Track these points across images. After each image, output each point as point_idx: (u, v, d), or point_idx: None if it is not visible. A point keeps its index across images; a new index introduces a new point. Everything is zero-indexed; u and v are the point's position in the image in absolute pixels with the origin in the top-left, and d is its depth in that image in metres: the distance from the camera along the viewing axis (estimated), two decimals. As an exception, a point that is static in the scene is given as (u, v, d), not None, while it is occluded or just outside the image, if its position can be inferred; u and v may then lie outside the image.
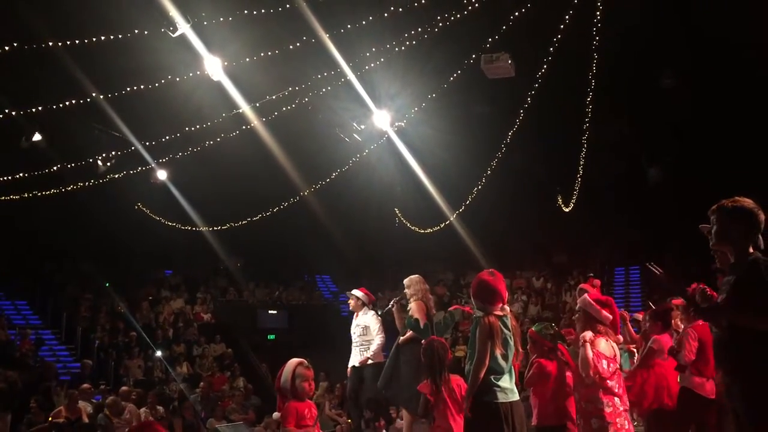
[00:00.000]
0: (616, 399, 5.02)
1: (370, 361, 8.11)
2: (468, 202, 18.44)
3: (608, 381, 5.00)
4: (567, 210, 19.72)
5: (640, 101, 17.13)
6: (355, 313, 8.57)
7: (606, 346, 5.09)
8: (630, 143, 19.15)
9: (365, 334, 8.32)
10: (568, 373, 5.32)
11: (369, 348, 8.18)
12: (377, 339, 8.22)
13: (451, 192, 18.69)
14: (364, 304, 8.52)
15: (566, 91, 14.79)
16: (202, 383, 14.46)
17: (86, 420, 10.34)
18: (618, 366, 5.15)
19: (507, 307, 5.07)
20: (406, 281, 7.75)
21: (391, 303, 7.80)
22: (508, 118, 15.21)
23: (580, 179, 18.21)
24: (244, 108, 13.43)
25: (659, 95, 16.60)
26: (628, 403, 5.15)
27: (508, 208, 20.04)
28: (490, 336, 4.81)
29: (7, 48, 10.26)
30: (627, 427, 5.02)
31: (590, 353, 5.00)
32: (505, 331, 4.92)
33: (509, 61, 12.18)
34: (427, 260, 23.58)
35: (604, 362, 4.98)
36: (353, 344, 8.42)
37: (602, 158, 17.72)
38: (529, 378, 5.36)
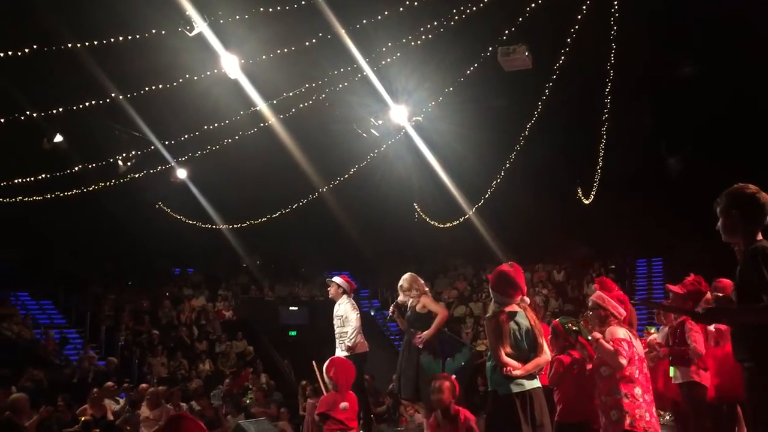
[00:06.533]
0: (637, 389, 4.86)
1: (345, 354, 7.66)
2: (487, 195, 18.36)
3: (627, 369, 4.85)
4: (587, 202, 19.58)
5: (659, 90, 16.97)
6: (336, 303, 8.13)
7: (625, 333, 4.97)
8: (650, 133, 18.98)
9: (343, 325, 7.91)
10: (590, 366, 5.27)
11: (345, 340, 7.81)
12: (350, 328, 7.78)
13: (470, 186, 18.62)
14: (344, 292, 8.08)
15: (585, 82, 14.69)
16: (227, 380, 14.57)
17: (111, 418, 10.45)
18: (640, 354, 5.03)
19: (527, 299, 5.07)
20: (404, 283, 7.42)
21: (391, 310, 7.65)
22: (526, 111, 15.12)
23: (600, 170, 18.07)
24: (262, 106, 13.47)
25: (679, 84, 16.43)
26: (652, 393, 5.01)
27: (528, 201, 19.94)
28: (497, 335, 4.85)
29: (27, 50, 10.38)
30: (648, 418, 4.83)
31: (609, 345, 4.87)
32: (515, 327, 4.90)
33: (526, 53, 12.10)
34: (447, 255, 23.60)
35: (624, 344, 4.88)
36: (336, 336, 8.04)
37: (622, 149, 17.58)
38: (551, 377, 5.34)
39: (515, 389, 4.79)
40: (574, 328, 5.43)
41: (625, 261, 21.65)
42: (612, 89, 13.93)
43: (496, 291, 5.01)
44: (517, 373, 4.79)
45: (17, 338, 15.66)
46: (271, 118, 14.15)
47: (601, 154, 16.95)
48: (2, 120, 11.58)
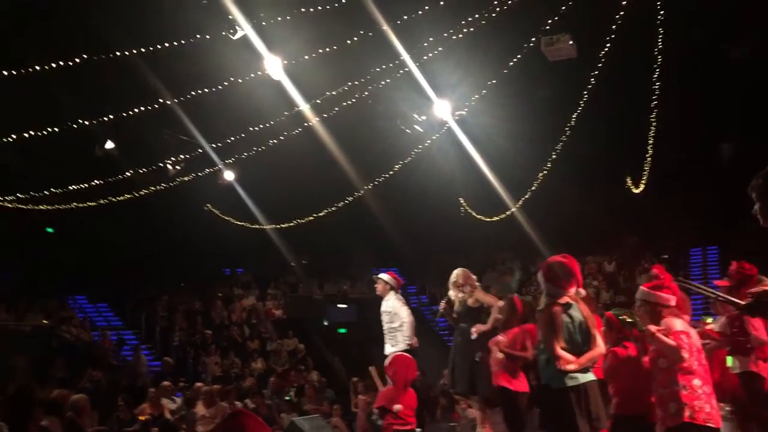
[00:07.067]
0: (695, 380, 4.72)
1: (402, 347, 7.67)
2: (533, 188, 18.15)
3: (685, 361, 4.72)
4: (637, 191, 19.21)
5: (709, 75, 16.55)
6: (384, 299, 8.10)
7: (681, 324, 4.84)
8: (700, 120, 18.54)
9: (392, 321, 7.87)
10: (645, 359, 5.17)
11: (395, 336, 7.78)
12: (405, 324, 7.75)
13: (513, 179, 18.43)
14: (392, 289, 8.03)
15: (631, 70, 14.41)
16: (272, 378, 14.74)
17: (169, 416, 10.67)
18: (697, 345, 4.90)
19: (582, 291, 4.98)
20: (458, 279, 7.44)
21: (441, 306, 7.66)
22: (572, 101, 14.90)
23: (649, 159, 17.70)
24: (304, 106, 13.56)
25: (729, 68, 16.01)
26: (711, 384, 4.86)
27: (575, 192, 19.66)
28: (551, 328, 4.77)
29: (77, 60, 10.65)
30: (708, 410, 4.68)
31: (669, 339, 4.73)
32: (568, 320, 4.81)
33: (570, 42, 11.92)
34: (494, 249, 23.43)
35: (684, 337, 4.75)
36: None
37: (672, 136, 17.20)
38: (606, 370, 5.24)
39: (569, 383, 4.72)
40: (629, 320, 5.29)
41: (679, 250, 21.17)
42: (660, 75, 13.63)
43: (549, 282, 4.93)
44: (572, 367, 4.71)
45: (76, 340, 16.11)
46: (315, 118, 14.23)
47: (650, 142, 16.61)
48: (56, 129, 11.91)
